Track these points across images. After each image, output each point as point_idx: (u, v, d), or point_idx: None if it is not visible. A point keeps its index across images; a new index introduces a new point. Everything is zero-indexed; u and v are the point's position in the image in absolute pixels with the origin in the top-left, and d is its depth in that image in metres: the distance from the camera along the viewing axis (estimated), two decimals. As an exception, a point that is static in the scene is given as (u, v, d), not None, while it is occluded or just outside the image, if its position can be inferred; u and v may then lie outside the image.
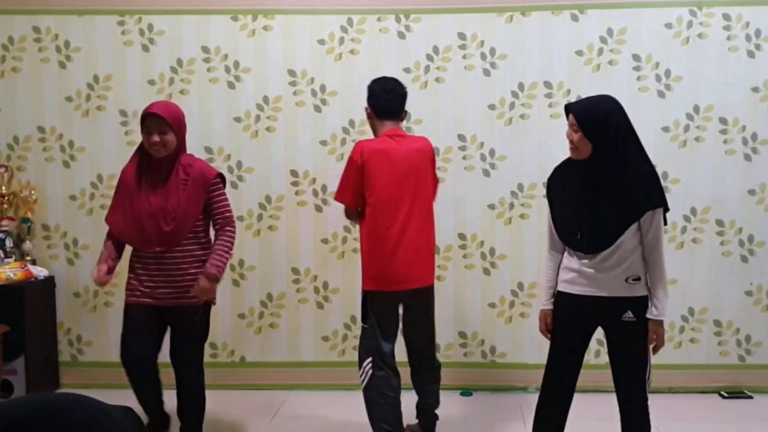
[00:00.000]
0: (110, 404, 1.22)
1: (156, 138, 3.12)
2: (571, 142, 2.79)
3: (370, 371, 3.32)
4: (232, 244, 3.28)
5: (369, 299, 3.34)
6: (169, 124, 3.13)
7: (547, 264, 2.98)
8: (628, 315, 2.78)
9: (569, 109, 2.83)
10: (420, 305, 3.46)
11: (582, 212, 2.78)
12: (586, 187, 2.79)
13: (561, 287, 2.91)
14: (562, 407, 2.93)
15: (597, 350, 4.13)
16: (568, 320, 2.90)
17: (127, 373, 3.26)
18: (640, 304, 2.78)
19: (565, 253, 2.90)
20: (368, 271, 3.34)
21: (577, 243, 2.81)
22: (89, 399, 1.20)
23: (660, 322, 2.79)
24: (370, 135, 3.54)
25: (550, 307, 2.94)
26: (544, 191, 3.57)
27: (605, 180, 2.75)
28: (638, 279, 2.78)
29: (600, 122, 2.73)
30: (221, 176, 3.32)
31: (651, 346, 2.82)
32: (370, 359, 3.32)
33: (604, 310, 2.81)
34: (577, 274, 2.83)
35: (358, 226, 3.54)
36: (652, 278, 2.78)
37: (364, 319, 3.37)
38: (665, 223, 2.82)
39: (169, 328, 3.36)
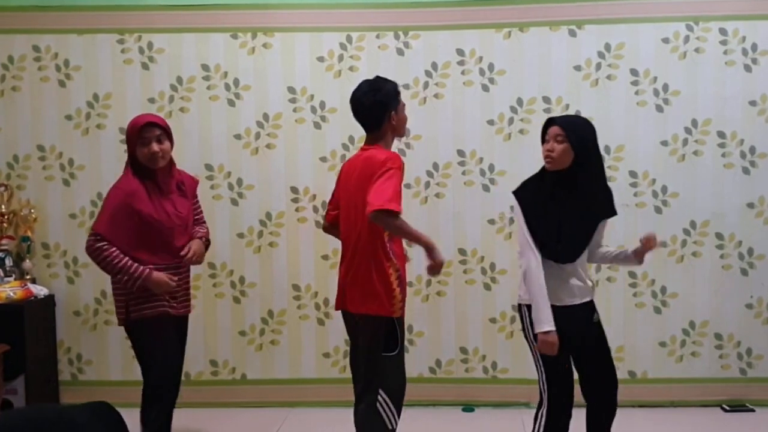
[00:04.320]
0: (82, 404, 1.23)
1: (156, 148, 3.13)
2: (551, 152, 2.85)
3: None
4: (208, 234, 3.46)
5: (399, 324, 3.00)
6: (167, 132, 3.19)
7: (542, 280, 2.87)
8: (597, 316, 3.00)
9: (554, 121, 2.90)
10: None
11: (560, 220, 2.84)
12: (557, 197, 2.86)
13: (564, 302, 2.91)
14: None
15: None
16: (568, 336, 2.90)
17: (159, 394, 3.12)
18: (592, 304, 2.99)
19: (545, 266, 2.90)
20: (401, 296, 2.99)
21: (555, 252, 2.87)
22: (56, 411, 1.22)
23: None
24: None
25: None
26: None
27: (576, 189, 2.86)
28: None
29: (583, 135, 2.86)
30: None
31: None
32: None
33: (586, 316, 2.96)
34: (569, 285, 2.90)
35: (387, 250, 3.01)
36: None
37: (392, 347, 2.98)
38: None
39: None
